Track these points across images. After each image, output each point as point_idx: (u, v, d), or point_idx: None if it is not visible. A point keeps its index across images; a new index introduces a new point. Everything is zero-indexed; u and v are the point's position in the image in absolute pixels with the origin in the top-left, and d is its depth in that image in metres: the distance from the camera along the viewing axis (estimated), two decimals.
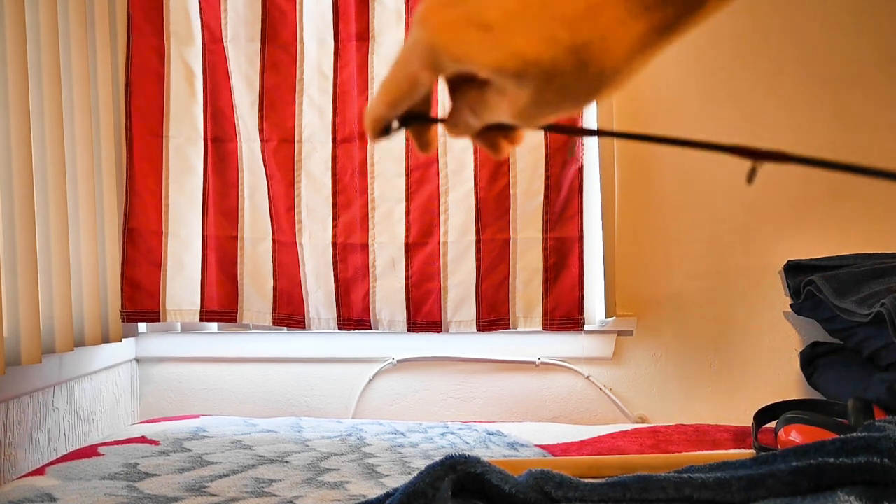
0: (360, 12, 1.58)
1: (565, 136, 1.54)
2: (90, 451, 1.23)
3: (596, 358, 1.65)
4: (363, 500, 0.73)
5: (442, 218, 1.57)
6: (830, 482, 0.54)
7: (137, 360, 1.78)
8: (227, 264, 1.63)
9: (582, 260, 1.54)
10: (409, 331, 1.59)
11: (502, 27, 0.31)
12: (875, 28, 1.57)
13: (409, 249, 1.58)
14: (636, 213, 1.64)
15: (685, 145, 0.37)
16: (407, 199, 1.58)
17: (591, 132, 0.44)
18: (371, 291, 1.59)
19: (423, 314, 1.58)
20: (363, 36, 1.58)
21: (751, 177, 0.35)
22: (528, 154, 1.55)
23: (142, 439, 1.31)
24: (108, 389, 1.67)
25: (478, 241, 1.56)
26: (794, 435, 1.08)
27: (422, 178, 1.57)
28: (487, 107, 0.37)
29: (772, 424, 1.23)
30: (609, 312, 1.62)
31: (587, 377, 1.66)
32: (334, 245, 1.60)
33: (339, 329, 1.61)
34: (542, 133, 1.54)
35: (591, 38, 0.31)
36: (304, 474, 1.12)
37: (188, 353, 1.77)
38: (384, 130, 0.41)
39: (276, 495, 1.03)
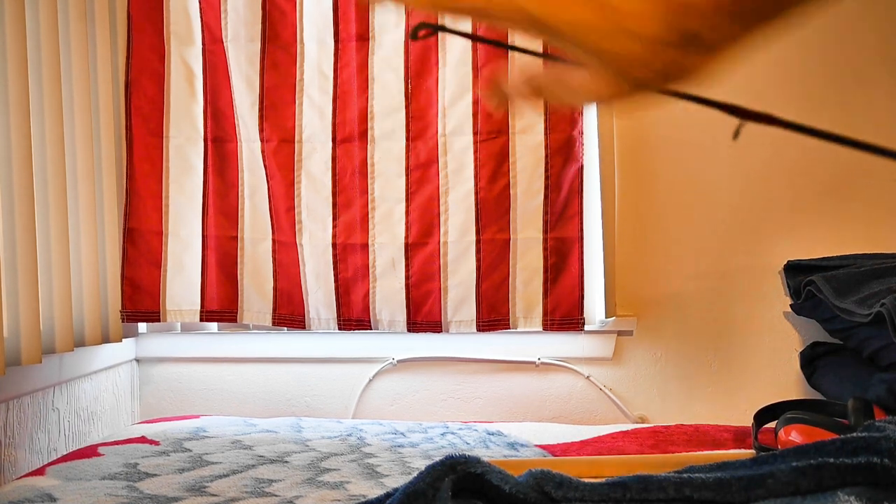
0: (360, 13, 1.57)
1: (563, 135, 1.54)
2: (90, 451, 1.23)
3: (596, 358, 1.65)
4: (363, 500, 0.73)
5: (442, 218, 1.57)
6: (830, 482, 0.54)
7: (137, 360, 1.78)
8: (227, 264, 1.63)
9: (582, 260, 1.54)
10: (409, 331, 1.59)
11: (622, 9, 0.30)
12: (878, 24, 1.57)
13: (409, 249, 1.58)
14: (636, 213, 1.64)
15: (676, 96, 0.38)
16: (407, 199, 1.58)
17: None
18: (371, 291, 1.59)
19: (423, 314, 1.58)
20: (363, 36, 1.58)
21: (736, 134, 0.36)
22: (528, 154, 1.55)
23: (142, 439, 1.31)
24: (108, 389, 1.67)
25: (478, 241, 1.56)
26: (794, 435, 1.08)
27: (422, 178, 1.57)
28: (567, 89, 0.35)
29: (772, 424, 1.23)
30: (609, 312, 1.62)
31: (587, 377, 1.66)
32: (334, 245, 1.60)
33: (339, 329, 1.61)
34: (541, 133, 1.54)
35: (718, 33, 0.30)
36: (304, 474, 1.12)
37: (188, 353, 1.77)
38: (433, 28, 0.39)
39: (276, 495, 1.03)
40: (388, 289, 1.58)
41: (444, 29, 0.42)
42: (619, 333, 1.65)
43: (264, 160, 1.60)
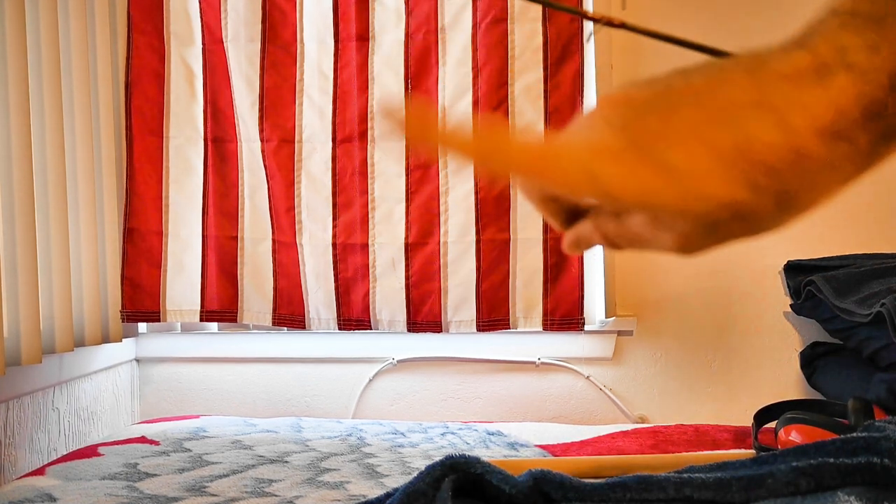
0: (360, 12, 1.58)
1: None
2: (90, 451, 1.23)
3: (596, 358, 1.65)
4: (363, 500, 0.73)
5: (442, 218, 1.57)
6: (830, 482, 0.54)
7: (137, 360, 1.78)
8: (227, 264, 1.63)
9: (582, 260, 1.54)
10: (409, 331, 1.59)
11: (689, 172, 0.30)
12: None
13: (409, 249, 1.58)
14: None
15: (691, 47, 0.37)
16: (407, 199, 1.58)
17: (595, 18, 0.43)
18: (371, 291, 1.59)
19: (423, 314, 1.58)
20: (363, 36, 1.58)
21: None
22: None
23: (142, 439, 1.31)
24: (108, 389, 1.67)
25: (478, 241, 1.56)
26: (794, 435, 1.08)
27: (422, 178, 1.57)
28: (633, 237, 0.35)
29: (772, 424, 1.23)
30: (609, 312, 1.62)
31: (587, 377, 1.66)
32: (334, 245, 1.60)
33: (339, 329, 1.61)
34: (542, 133, 1.54)
35: (796, 186, 0.30)
36: (304, 474, 1.12)
37: (188, 353, 1.77)
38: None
39: (276, 495, 1.03)
40: (388, 289, 1.58)
41: None
42: (619, 333, 1.65)
43: (264, 160, 1.60)
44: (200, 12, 1.61)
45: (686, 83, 0.31)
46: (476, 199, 1.56)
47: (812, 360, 1.52)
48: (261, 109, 1.59)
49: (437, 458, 0.58)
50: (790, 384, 1.59)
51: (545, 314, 1.55)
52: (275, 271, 1.63)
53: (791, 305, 1.54)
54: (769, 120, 0.29)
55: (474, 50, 1.55)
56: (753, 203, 0.30)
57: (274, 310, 1.63)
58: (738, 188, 0.29)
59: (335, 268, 1.60)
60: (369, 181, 1.59)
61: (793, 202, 0.30)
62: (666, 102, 0.31)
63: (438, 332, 1.58)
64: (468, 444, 1.30)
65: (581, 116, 0.34)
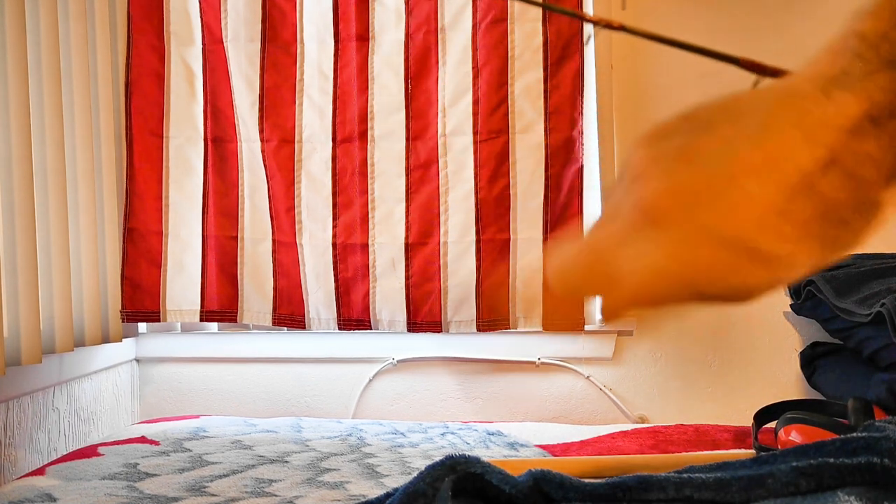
0: (360, 12, 1.58)
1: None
2: (90, 451, 1.23)
3: (596, 358, 1.65)
4: (363, 500, 0.73)
5: (442, 218, 1.57)
6: (830, 482, 0.53)
7: (137, 360, 1.78)
8: (227, 264, 1.63)
9: None
10: (409, 331, 1.59)
11: (778, 254, 0.30)
12: None
13: (409, 249, 1.58)
14: None
15: (693, 51, 0.37)
16: (407, 199, 1.58)
17: (600, 22, 0.44)
18: (371, 291, 1.59)
19: (423, 314, 1.58)
20: (363, 36, 1.58)
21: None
22: (528, 154, 1.55)
23: (142, 439, 1.31)
24: (108, 389, 1.67)
25: (478, 241, 1.56)
26: (794, 435, 1.08)
27: (422, 178, 1.57)
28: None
29: (772, 424, 1.23)
30: None
31: (587, 377, 1.66)
32: (334, 245, 1.60)
33: (339, 329, 1.61)
34: (541, 133, 1.54)
35: (860, 229, 0.31)
36: (304, 474, 1.12)
37: (188, 353, 1.77)
38: None
39: (276, 495, 1.03)
40: (388, 289, 1.58)
41: None
42: (619, 333, 1.65)
43: (264, 160, 1.60)
44: (200, 12, 1.61)
45: (725, 146, 0.30)
46: (476, 199, 1.56)
47: (812, 360, 1.52)
48: (261, 109, 1.59)
49: (437, 458, 0.58)
50: (790, 384, 1.59)
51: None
52: (275, 271, 1.63)
53: (791, 305, 1.54)
54: (841, 179, 0.29)
55: (474, 50, 1.55)
56: (828, 255, 0.31)
57: (274, 310, 1.63)
58: (816, 248, 0.30)
59: (335, 268, 1.60)
60: (369, 181, 1.59)
61: (855, 242, 0.32)
62: (708, 166, 0.31)
63: (438, 332, 1.58)
64: (468, 444, 1.30)
65: (608, 201, 0.34)
